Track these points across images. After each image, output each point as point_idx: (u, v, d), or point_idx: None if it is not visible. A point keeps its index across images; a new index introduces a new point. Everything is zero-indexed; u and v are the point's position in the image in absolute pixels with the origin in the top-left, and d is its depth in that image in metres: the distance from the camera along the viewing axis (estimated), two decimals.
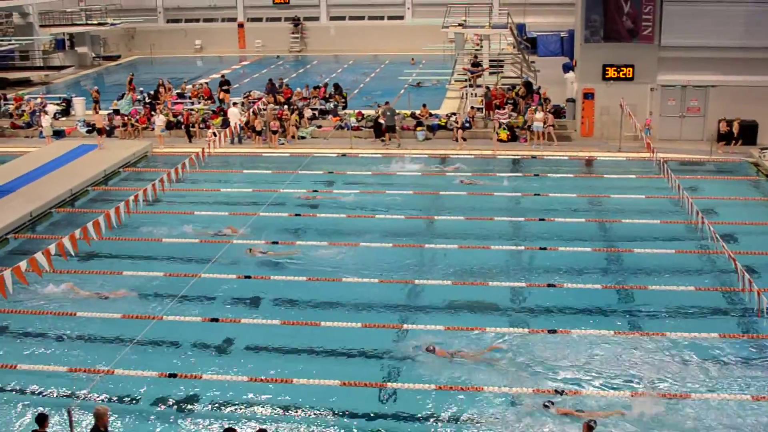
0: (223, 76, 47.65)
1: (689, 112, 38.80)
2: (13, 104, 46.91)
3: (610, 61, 38.70)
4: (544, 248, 26.83)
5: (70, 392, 19.02)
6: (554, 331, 21.07)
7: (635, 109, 37.12)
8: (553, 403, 17.92)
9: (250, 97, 46.36)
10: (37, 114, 44.18)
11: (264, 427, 16.10)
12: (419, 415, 17.87)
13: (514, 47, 49.59)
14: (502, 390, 18.56)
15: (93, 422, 15.83)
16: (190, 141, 41.24)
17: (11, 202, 31.27)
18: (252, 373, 19.53)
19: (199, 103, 46.87)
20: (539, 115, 39.00)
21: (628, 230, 28.51)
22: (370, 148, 39.59)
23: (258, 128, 40.51)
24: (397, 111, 40.84)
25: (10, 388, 19.42)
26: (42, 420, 15.58)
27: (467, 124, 40.39)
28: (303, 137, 41.61)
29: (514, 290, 23.98)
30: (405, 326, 21.79)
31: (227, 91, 46.34)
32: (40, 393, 19.18)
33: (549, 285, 24.00)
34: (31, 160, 37.59)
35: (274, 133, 40.45)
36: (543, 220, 29.44)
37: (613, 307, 22.89)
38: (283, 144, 40.40)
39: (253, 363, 20.21)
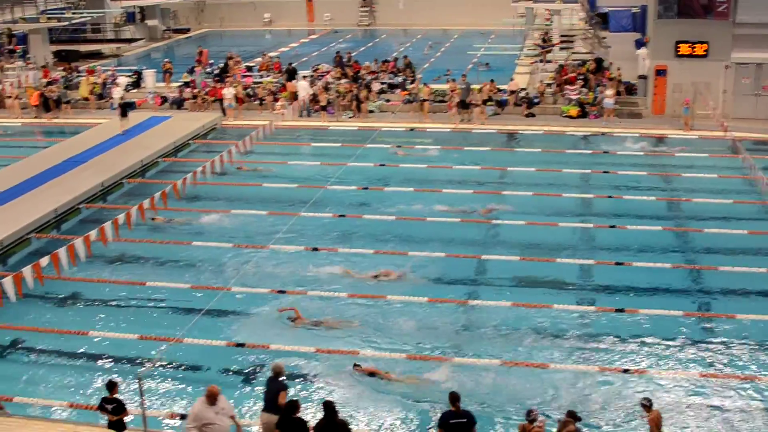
0: (290, 64, 47.27)
1: (765, 90, 37.96)
2: (85, 76, 47.60)
3: (683, 37, 37.92)
4: (613, 226, 26.55)
5: (140, 359, 19.34)
6: (622, 310, 20.88)
7: (709, 87, 36.44)
8: (359, 365, 18.42)
9: (318, 71, 46.40)
10: (109, 86, 44.79)
11: (329, 398, 16.13)
12: (483, 392, 17.77)
13: (585, 22, 49.02)
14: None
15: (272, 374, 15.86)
16: (261, 104, 42.24)
17: (83, 173, 31.78)
18: (318, 344, 19.64)
19: (268, 76, 47.06)
20: (610, 91, 38.51)
21: (700, 209, 28.07)
22: (438, 122, 39.39)
23: (323, 102, 40.56)
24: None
25: (81, 354, 19.83)
26: (111, 387, 15.74)
27: (536, 100, 40.01)
28: (371, 111, 41.59)
29: (582, 267, 23.77)
30: (470, 302, 21.76)
31: (291, 79, 46.00)
32: (110, 359, 19.54)
33: (617, 263, 23.75)
34: (103, 131, 38.13)
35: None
36: (611, 197, 29.12)
37: (682, 286, 22.58)
38: (351, 117, 40.43)
39: (319, 335, 20.29)
